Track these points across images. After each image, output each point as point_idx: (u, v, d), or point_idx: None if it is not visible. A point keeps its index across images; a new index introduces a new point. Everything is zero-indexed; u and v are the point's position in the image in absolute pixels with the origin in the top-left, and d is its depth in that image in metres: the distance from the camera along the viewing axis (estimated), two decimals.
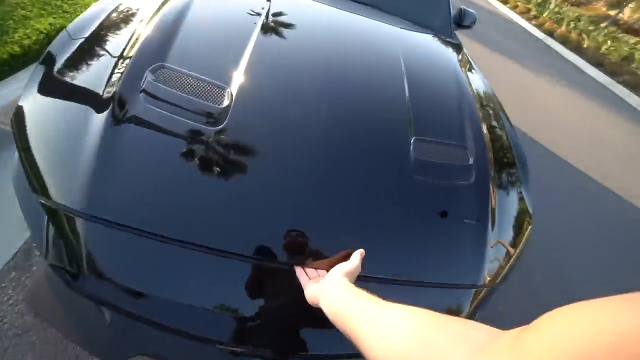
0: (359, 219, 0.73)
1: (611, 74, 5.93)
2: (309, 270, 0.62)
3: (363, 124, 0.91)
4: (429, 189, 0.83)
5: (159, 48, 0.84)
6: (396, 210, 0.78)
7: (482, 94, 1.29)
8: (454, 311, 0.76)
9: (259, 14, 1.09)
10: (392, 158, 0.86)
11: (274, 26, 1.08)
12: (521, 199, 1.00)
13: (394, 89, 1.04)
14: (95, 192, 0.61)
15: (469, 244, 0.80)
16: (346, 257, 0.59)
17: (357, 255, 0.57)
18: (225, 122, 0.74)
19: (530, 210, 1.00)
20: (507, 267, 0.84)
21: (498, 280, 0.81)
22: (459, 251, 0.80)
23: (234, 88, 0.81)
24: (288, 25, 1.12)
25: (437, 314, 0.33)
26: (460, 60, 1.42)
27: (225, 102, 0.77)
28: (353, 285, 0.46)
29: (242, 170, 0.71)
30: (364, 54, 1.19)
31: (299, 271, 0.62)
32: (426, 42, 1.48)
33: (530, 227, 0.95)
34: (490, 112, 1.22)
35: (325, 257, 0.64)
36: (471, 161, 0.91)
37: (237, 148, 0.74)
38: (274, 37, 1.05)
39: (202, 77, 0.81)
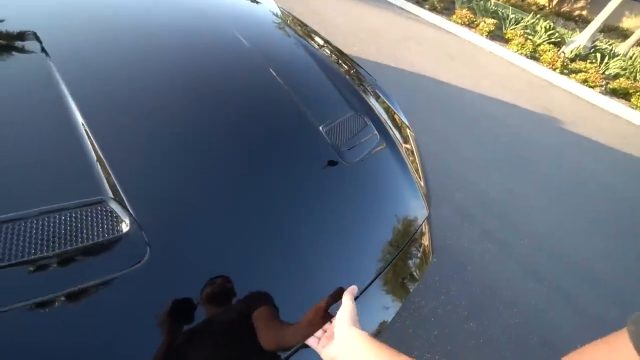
0: (323, 238, 0.69)
1: None
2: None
3: (276, 135, 0.81)
4: (359, 169, 0.84)
5: None
6: (349, 209, 0.77)
7: (321, 43, 1.34)
8: (423, 250, 0.90)
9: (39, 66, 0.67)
10: (320, 157, 0.81)
11: (79, 66, 0.71)
12: (398, 118, 1.20)
13: (269, 81, 0.93)
14: None
15: (407, 190, 0.91)
16: (336, 296, 0.57)
17: (347, 296, 0.55)
18: (148, 250, 0.49)
19: (406, 121, 1.22)
20: (424, 182, 1.03)
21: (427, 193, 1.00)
22: (404, 204, 0.88)
23: (117, 194, 0.52)
24: (93, 56, 0.76)
25: None
26: (287, 20, 1.37)
27: (124, 224, 0.50)
28: (367, 338, 0.46)
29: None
30: (210, 47, 0.98)
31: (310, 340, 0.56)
32: (245, 10, 1.33)
33: (412, 134, 1.18)
34: (338, 58, 1.31)
35: (319, 307, 0.58)
36: (368, 121, 0.98)
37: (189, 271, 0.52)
38: (92, 78, 0.70)
39: (63, 205, 0.48)
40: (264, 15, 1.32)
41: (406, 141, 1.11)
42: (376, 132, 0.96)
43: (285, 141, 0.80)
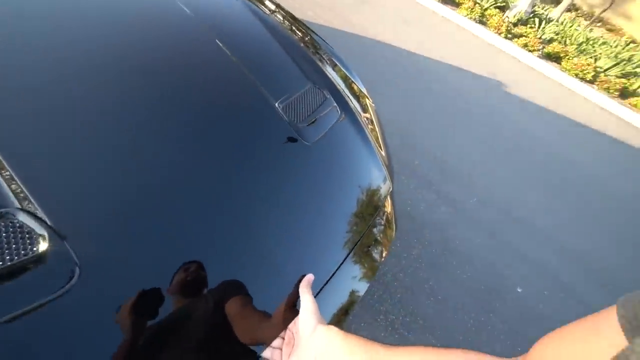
0: (283, 222, 0.65)
1: None
2: (275, 342, 0.50)
3: (226, 115, 0.72)
4: (320, 147, 0.80)
5: None
6: (312, 190, 0.73)
7: (272, 9, 1.21)
8: (387, 218, 0.93)
9: None
10: (278, 137, 0.74)
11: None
12: (356, 87, 1.16)
13: (215, 54, 0.81)
14: None
15: (369, 165, 0.89)
16: (294, 295, 0.52)
17: (304, 291, 0.49)
18: (77, 267, 0.40)
19: (365, 91, 1.19)
20: (385, 152, 1.02)
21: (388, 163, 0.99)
22: (368, 180, 0.87)
23: (25, 201, 0.42)
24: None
25: (441, 351, 0.35)
26: None
27: (41, 239, 0.40)
28: (342, 335, 0.41)
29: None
30: (143, 13, 0.82)
31: (268, 353, 0.49)
32: None
33: (372, 104, 1.16)
34: (292, 24, 1.20)
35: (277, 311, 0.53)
36: (327, 94, 0.92)
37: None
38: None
39: None
40: None
41: (365, 111, 1.08)
42: (336, 105, 0.91)
43: (237, 122, 0.72)
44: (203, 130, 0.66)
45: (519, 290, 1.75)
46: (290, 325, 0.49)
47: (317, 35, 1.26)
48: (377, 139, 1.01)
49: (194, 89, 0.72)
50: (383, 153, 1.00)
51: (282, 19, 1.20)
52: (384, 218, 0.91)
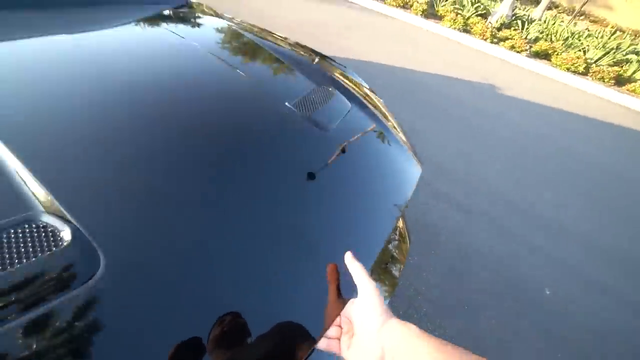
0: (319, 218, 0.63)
1: None
2: (331, 331, 0.46)
3: (247, 124, 0.75)
4: (336, 134, 0.80)
5: None
6: (341, 177, 0.73)
7: (276, 36, 1.32)
8: (400, 233, 0.93)
9: None
10: (295, 130, 0.77)
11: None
12: (361, 86, 1.21)
13: (224, 72, 0.87)
14: None
15: (394, 148, 0.91)
16: (334, 276, 0.49)
17: (360, 273, 0.43)
18: (102, 257, 0.42)
19: (368, 87, 1.25)
20: (406, 139, 1.02)
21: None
22: (395, 163, 0.88)
23: (50, 205, 0.45)
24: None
25: None
26: (234, 22, 1.31)
27: (65, 233, 0.42)
28: (424, 335, 0.37)
29: None
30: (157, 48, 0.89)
31: (324, 344, 0.45)
32: (186, 16, 1.23)
33: (380, 99, 1.21)
34: (294, 46, 1.29)
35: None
36: (332, 89, 0.97)
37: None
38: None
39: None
40: (211, 21, 1.25)
41: (375, 106, 1.11)
42: (345, 99, 0.96)
43: (256, 127, 0.75)
44: (224, 139, 0.69)
45: (547, 292, 1.70)
46: (344, 312, 0.44)
47: (317, 51, 1.35)
48: (395, 129, 1.03)
49: (214, 107, 0.76)
50: (404, 138, 1.01)
51: (284, 43, 1.29)
52: (397, 233, 0.92)
